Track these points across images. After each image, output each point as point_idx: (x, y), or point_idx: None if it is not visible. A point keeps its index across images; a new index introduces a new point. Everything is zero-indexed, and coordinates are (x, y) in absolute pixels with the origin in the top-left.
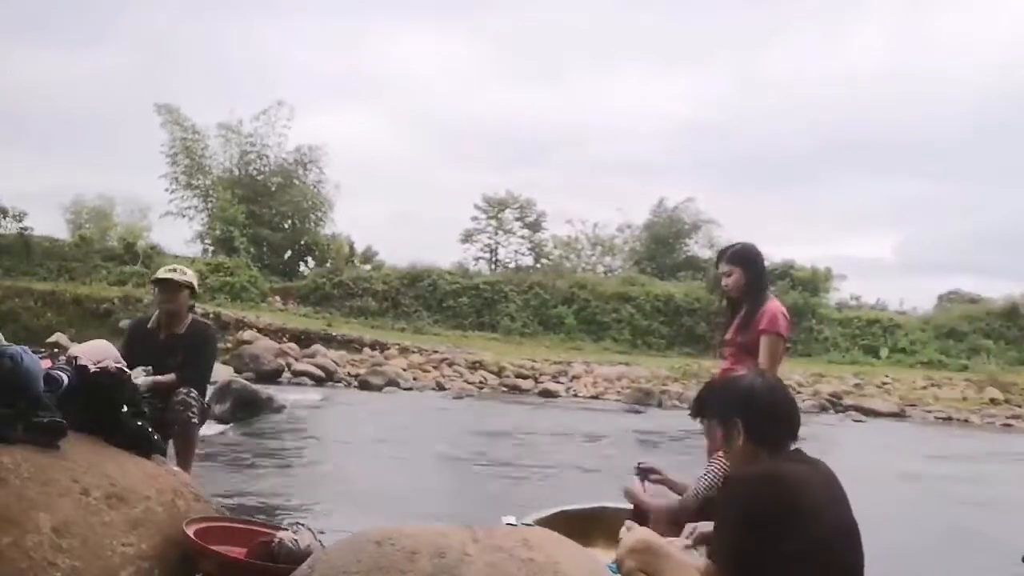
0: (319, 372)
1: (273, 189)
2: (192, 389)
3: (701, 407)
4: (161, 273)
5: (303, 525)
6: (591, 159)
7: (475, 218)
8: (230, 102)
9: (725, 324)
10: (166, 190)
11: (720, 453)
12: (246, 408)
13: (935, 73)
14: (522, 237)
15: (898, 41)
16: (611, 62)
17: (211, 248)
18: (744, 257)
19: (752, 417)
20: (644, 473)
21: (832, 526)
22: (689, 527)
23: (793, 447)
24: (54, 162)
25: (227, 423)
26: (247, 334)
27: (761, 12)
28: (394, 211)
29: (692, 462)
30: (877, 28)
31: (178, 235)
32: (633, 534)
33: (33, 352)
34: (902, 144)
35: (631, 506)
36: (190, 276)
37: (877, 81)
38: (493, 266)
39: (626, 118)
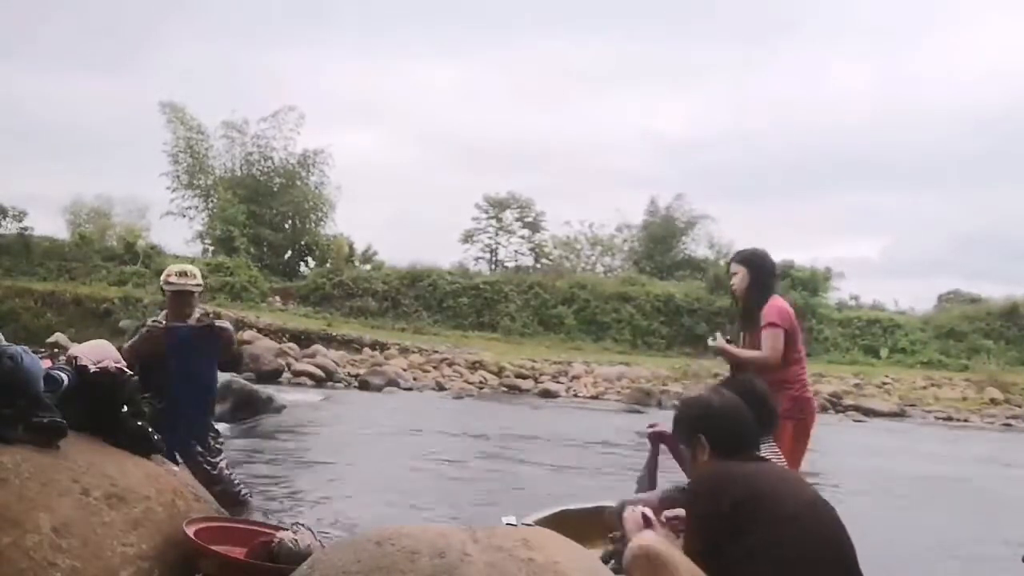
0: (319, 372)
1: (275, 190)
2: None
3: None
4: (174, 280)
5: (303, 525)
6: (591, 170)
7: (476, 218)
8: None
9: (738, 325)
10: (168, 188)
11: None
12: (246, 408)
13: (920, 95)
14: (522, 237)
15: (883, 68)
16: (611, 84)
17: (211, 248)
18: (750, 258)
19: (712, 432)
20: (657, 439)
21: (794, 502)
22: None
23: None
24: (58, 168)
25: (227, 423)
26: (247, 334)
27: (753, 42)
28: (395, 215)
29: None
30: (864, 56)
31: (178, 235)
32: (638, 540)
33: (33, 352)
34: (884, 160)
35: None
36: (198, 277)
37: (864, 103)
38: (493, 266)
39: (625, 135)
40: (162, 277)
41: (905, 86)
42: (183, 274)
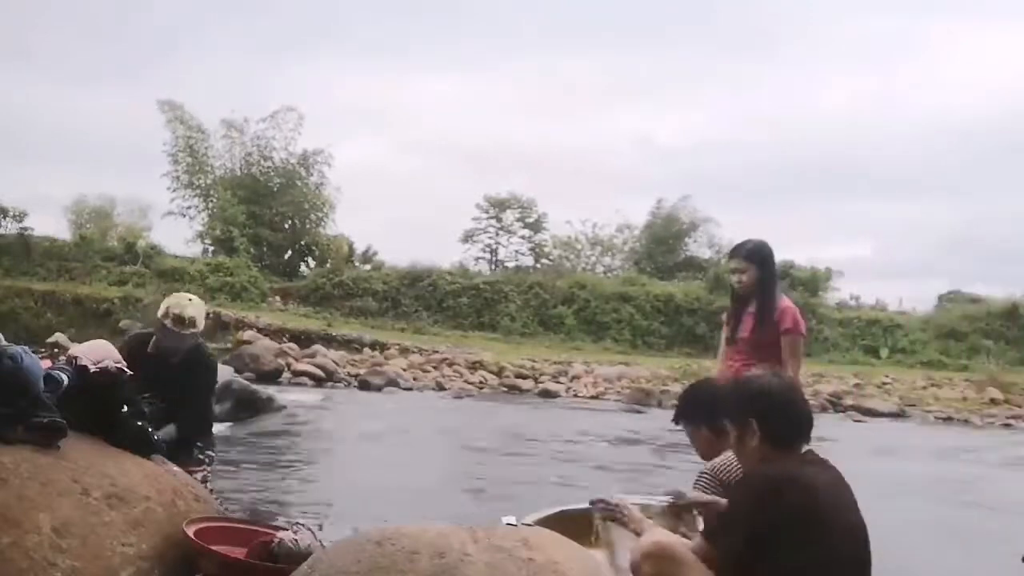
0: (319, 372)
1: (275, 190)
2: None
3: (683, 412)
4: (170, 327)
5: (303, 525)
6: (590, 176)
7: (476, 218)
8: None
9: (731, 320)
10: (168, 188)
11: (707, 468)
12: (246, 408)
13: (907, 108)
14: (522, 237)
15: (871, 84)
16: (610, 97)
17: (211, 248)
18: (758, 254)
19: (767, 417)
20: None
21: (842, 529)
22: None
23: (805, 448)
24: (66, 171)
25: (227, 423)
26: (247, 334)
27: (747, 58)
28: (397, 218)
29: (691, 462)
30: (854, 73)
31: (178, 235)
32: (649, 536)
33: (33, 352)
34: (871, 169)
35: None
36: (199, 321)
37: (852, 116)
38: (493, 266)
39: (624, 144)
40: (162, 309)
41: (893, 100)
42: (181, 321)
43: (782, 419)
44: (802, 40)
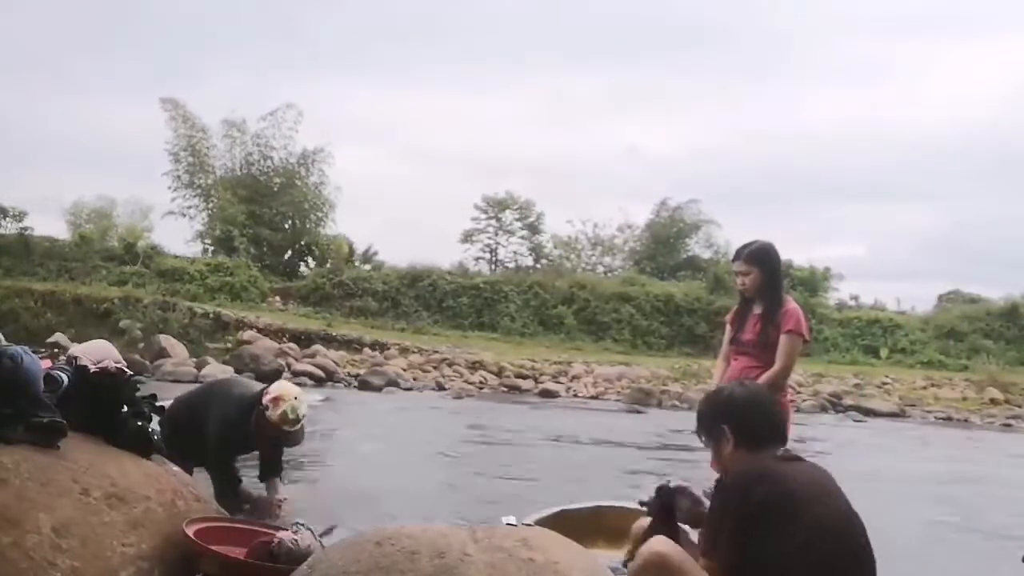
0: (319, 372)
1: (275, 189)
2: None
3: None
4: (288, 430)
5: (303, 525)
6: (591, 184)
7: (475, 218)
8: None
9: (735, 321)
10: (168, 188)
11: None
12: None
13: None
14: (522, 237)
15: (863, 97)
16: (611, 112)
17: (211, 248)
18: (761, 256)
19: (738, 422)
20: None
21: (826, 514)
22: None
23: (781, 450)
24: (59, 172)
25: None
26: (247, 334)
27: (745, 74)
28: (398, 220)
29: (693, 462)
30: (847, 86)
31: (179, 235)
32: (649, 546)
33: (33, 352)
34: (865, 176)
35: (632, 506)
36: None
37: (842, 129)
38: (493, 266)
39: (624, 154)
40: (274, 414)
41: (886, 111)
42: (297, 421)
43: (752, 422)
44: (794, 57)
